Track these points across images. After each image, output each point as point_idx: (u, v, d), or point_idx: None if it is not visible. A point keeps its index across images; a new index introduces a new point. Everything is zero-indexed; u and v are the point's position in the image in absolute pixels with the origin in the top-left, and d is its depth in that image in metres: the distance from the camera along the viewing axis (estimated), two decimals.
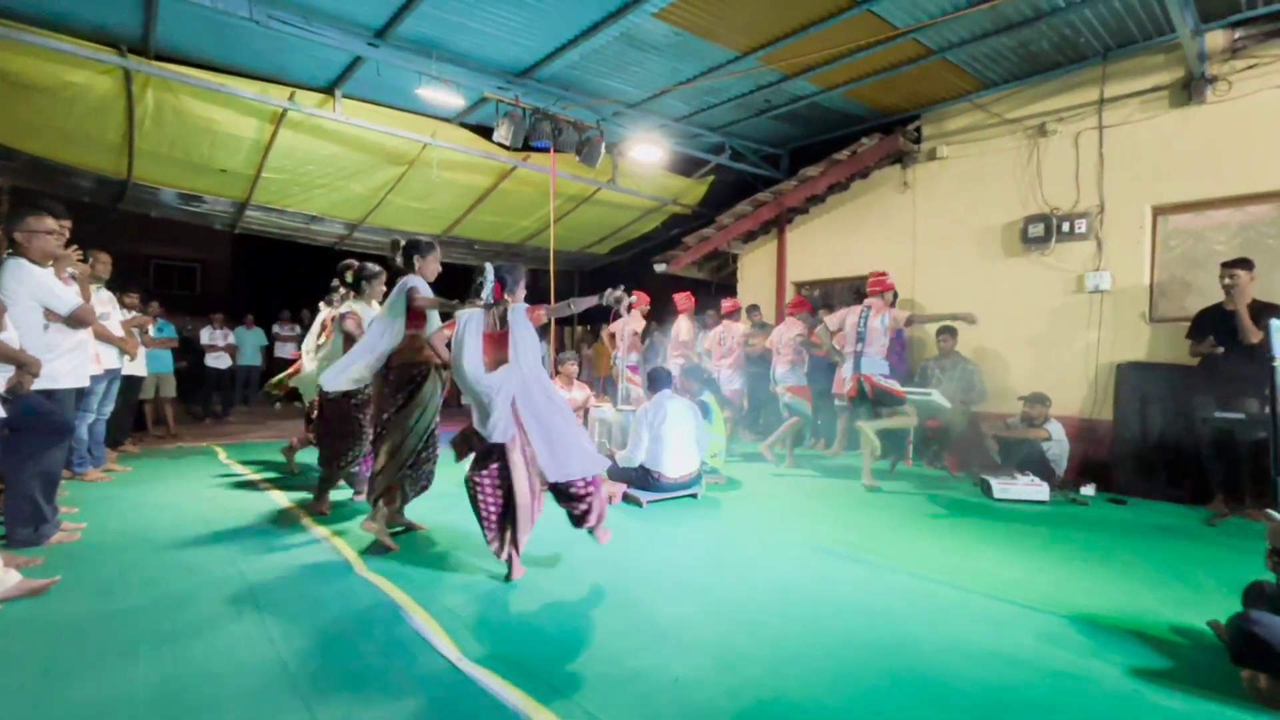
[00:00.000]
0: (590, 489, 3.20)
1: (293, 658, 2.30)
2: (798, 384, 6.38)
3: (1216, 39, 5.28)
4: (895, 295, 5.58)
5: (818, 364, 7.00)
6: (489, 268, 3.15)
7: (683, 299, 7.62)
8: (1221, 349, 4.54)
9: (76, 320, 3.53)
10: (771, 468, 6.24)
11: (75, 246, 3.91)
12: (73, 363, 3.64)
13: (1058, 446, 5.43)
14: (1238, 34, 5.22)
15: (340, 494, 4.64)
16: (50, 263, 3.49)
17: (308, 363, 5.11)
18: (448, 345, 3.51)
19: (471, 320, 3.14)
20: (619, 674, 2.24)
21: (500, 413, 3.03)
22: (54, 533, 3.49)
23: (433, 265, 3.78)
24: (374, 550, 3.52)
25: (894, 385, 5.34)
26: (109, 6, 5.09)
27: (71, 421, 3.58)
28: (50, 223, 3.39)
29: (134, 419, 6.97)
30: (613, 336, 7.20)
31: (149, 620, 2.60)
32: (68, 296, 3.49)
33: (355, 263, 4.50)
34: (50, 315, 3.43)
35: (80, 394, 4.18)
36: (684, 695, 2.11)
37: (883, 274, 5.58)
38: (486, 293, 3.11)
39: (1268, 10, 4.99)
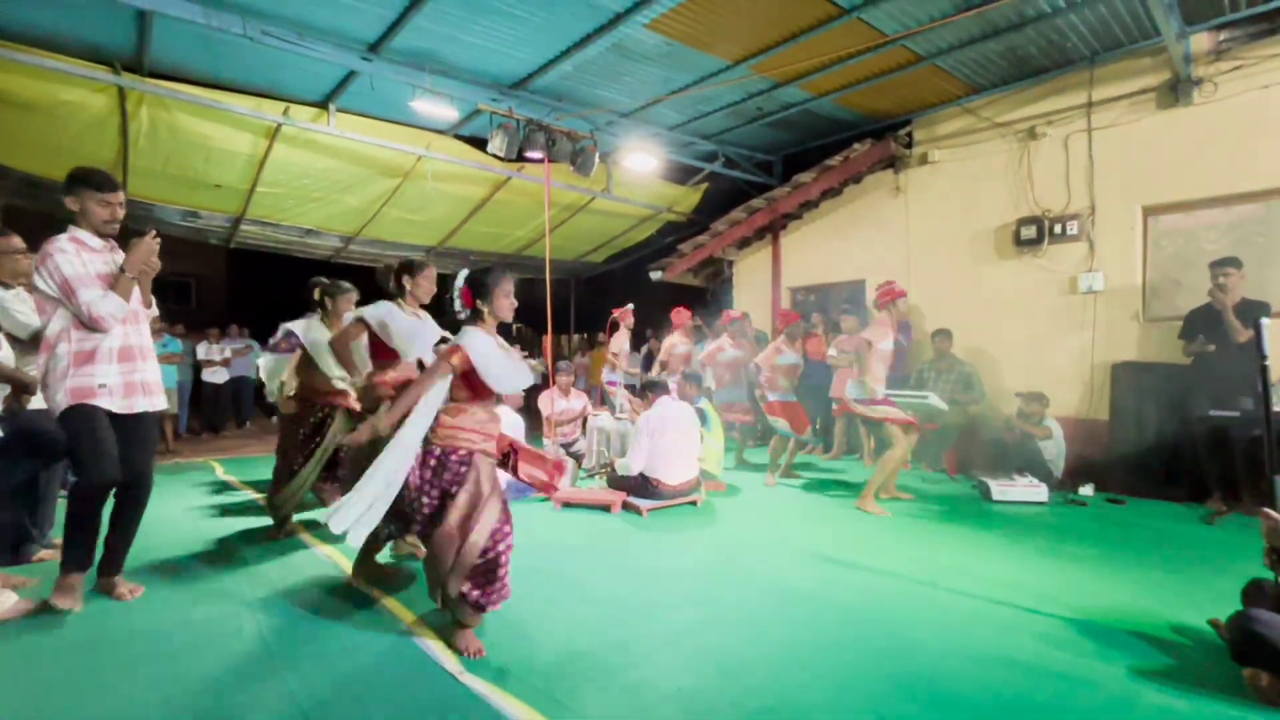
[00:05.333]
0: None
1: (292, 672, 2.29)
2: (781, 400, 5.91)
3: (1201, 41, 5.34)
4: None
5: (814, 365, 7.00)
6: (461, 273, 2.67)
7: (624, 314, 6.80)
8: (1212, 347, 4.57)
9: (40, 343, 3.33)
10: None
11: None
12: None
13: (1055, 447, 5.45)
14: (1222, 36, 5.29)
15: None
16: (19, 282, 3.26)
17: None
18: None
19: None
20: (622, 684, 2.24)
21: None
22: (38, 551, 3.46)
23: (425, 285, 3.53)
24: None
25: (872, 411, 4.90)
26: (103, 25, 5.11)
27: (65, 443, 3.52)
28: (17, 242, 3.24)
29: None
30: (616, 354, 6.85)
31: (149, 638, 2.59)
32: (24, 320, 3.22)
33: (323, 280, 4.27)
34: (9, 339, 3.24)
35: None
36: (687, 704, 2.11)
37: (888, 284, 5.04)
38: (459, 304, 2.62)
39: (1251, 12, 5.05)
